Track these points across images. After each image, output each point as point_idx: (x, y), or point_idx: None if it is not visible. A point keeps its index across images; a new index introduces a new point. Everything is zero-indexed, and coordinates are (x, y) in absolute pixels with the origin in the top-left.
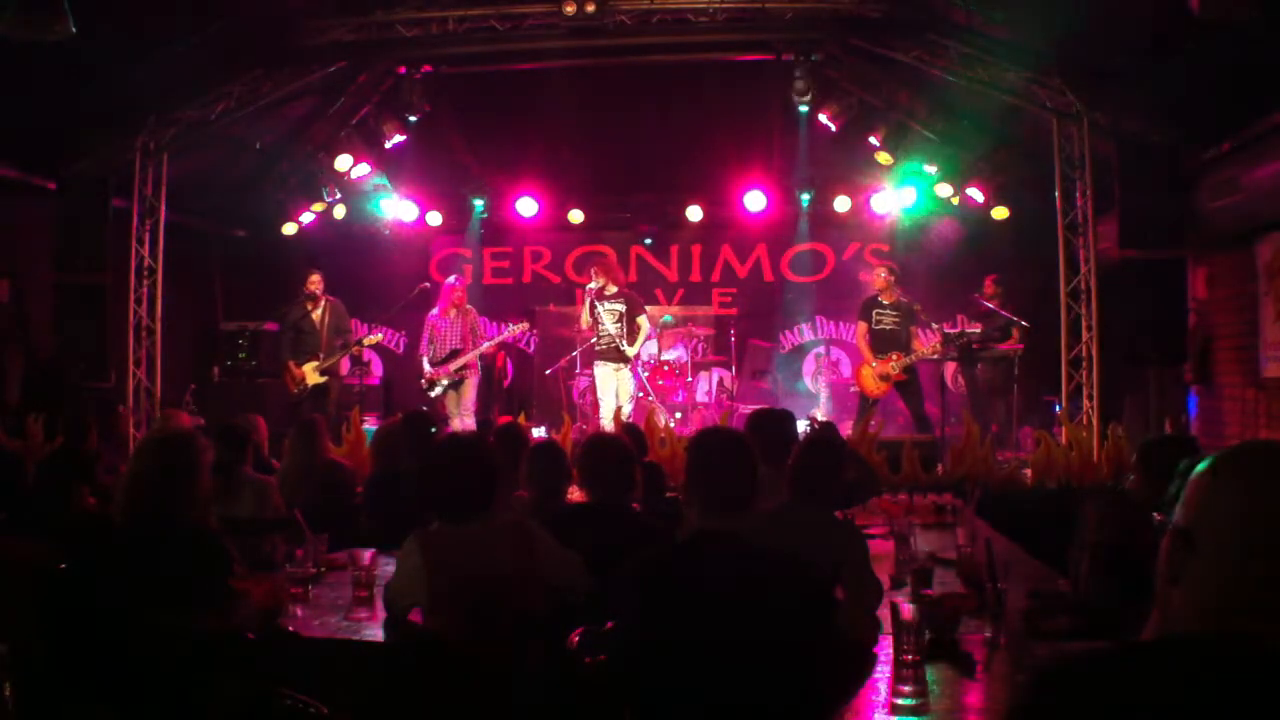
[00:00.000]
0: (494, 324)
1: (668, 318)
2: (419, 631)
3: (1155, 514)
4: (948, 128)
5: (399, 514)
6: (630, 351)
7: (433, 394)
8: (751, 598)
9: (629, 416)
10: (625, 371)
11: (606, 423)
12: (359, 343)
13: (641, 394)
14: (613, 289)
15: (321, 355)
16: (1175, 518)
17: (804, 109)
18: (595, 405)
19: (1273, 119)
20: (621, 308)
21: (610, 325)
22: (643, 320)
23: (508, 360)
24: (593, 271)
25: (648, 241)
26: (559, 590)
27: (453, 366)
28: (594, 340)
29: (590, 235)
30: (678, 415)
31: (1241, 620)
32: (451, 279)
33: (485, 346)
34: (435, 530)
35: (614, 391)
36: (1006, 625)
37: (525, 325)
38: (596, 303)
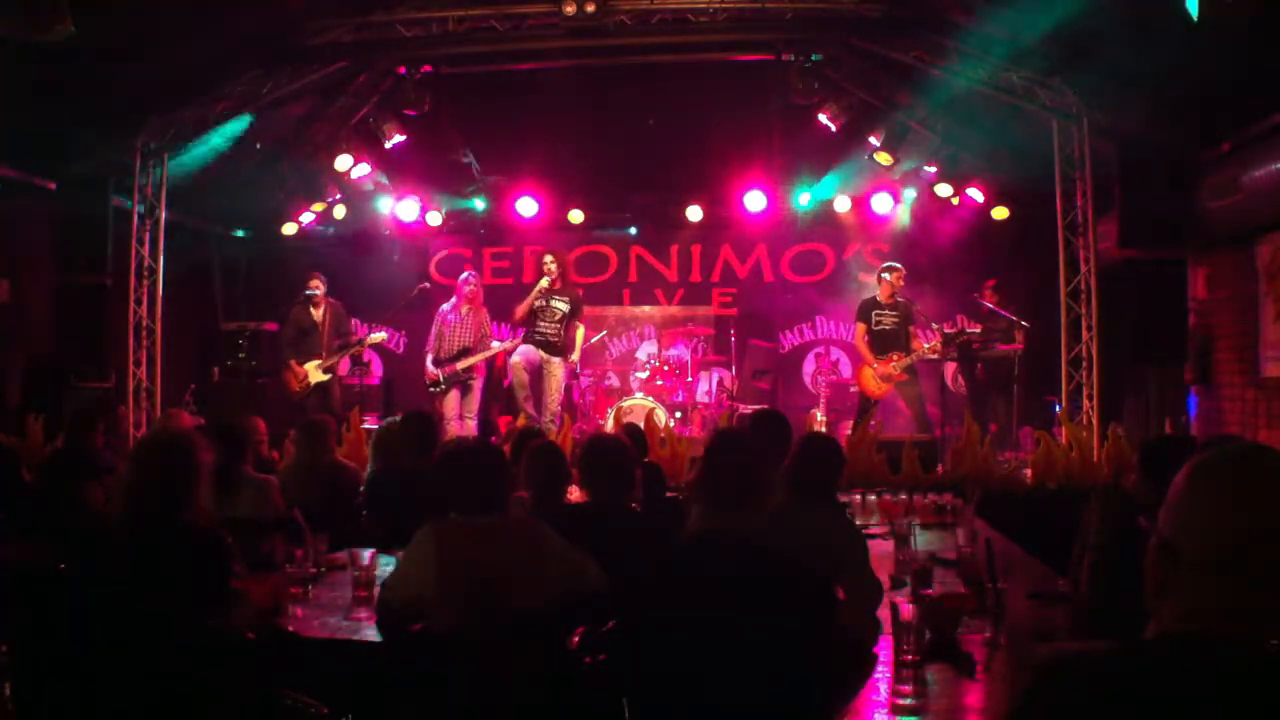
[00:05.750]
0: (495, 324)
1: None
2: (418, 631)
3: (1140, 518)
4: (948, 128)
5: (399, 514)
6: (573, 357)
7: (435, 391)
8: (753, 597)
9: (556, 417)
10: (554, 368)
11: (548, 422)
12: (360, 342)
13: (581, 399)
14: (561, 286)
15: (323, 354)
16: (1159, 528)
17: (803, 109)
18: (593, 405)
19: (1273, 119)
20: (565, 307)
21: (549, 323)
22: (580, 327)
23: (508, 360)
24: (549, 262)
25: (632, 231)
26: (567, 591)
27: (460, 365)
28: (529, 331)
29: (590, 235)
30: (678, 415)
31: (1226, 623)
32: (465, 275)
33: (494, 348)
34: (450, 521)
35: (525, 384)
36: (1006, 625)
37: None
38: (542, 298)
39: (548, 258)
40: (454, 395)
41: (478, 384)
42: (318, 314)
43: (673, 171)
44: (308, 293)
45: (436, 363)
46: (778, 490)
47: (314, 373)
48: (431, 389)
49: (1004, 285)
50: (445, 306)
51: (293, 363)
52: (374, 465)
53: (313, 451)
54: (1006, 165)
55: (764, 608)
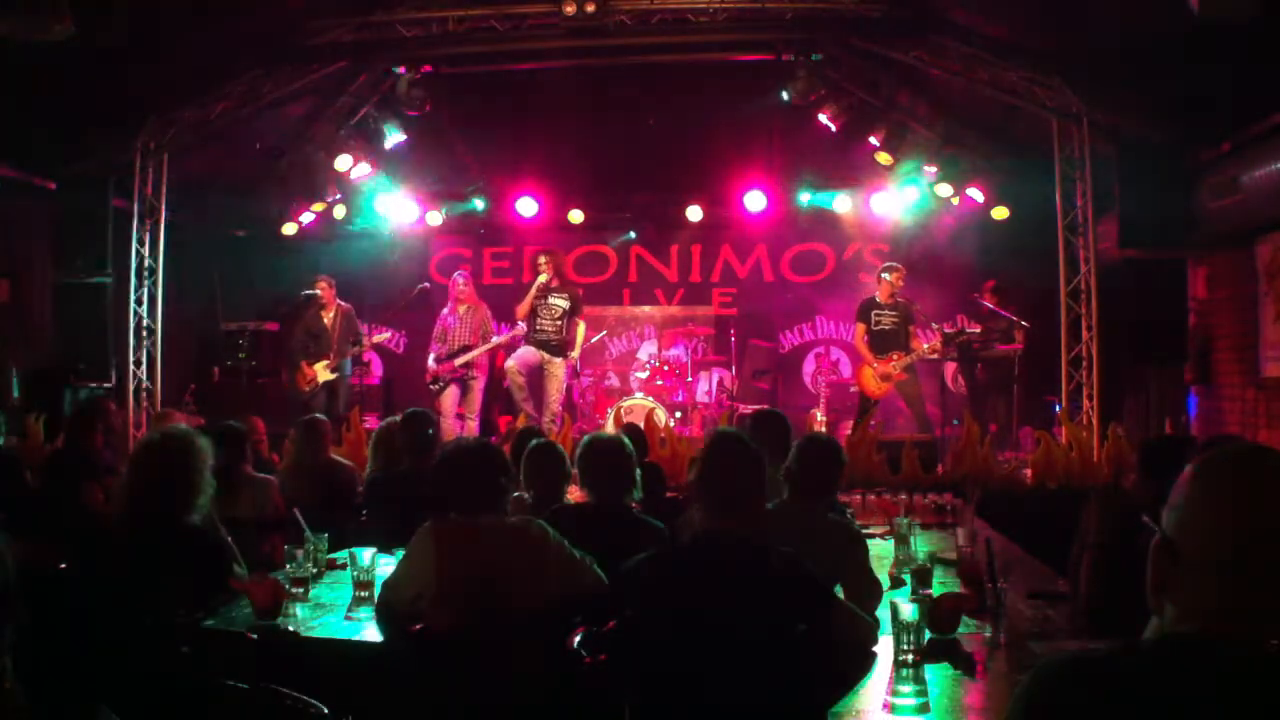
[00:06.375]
0: (495, 324)
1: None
2: (418, 631)
3: (1140, 518)
4: (948, 128)
5: (399, 514)
6: (573, 354)
7: (434, 389)
8: (753, 597)
9: (556, 417)
10: (555, 368)
11: (548, 422)
12: (358, 342)
13: (582, 399)
14: (559, 284)
15: (332, 356)
16: (1163, 526)
17: (803, 109)
18: (593, 405)
19: (1273, 119)
20: (565, 304)
21: (549, 321)
22: (581, 324)
23: (505, 362)
24: (542, 261)
25: (631, 234)
26: (567, 591)
27: (458, 361)
28: (529, 332)
29: (590, 235)
30: (677, 415)
31: (1226, 623)
32: (456, 274)
33: (494, 342)
34: (450, 521)
35: (522, 386)
36: (1006, 625)
37: (522, 329)
38: (542, 295)
39: (542, 258)
40: (452, 392)
41: (478, 383)
42: (328, 317)
43: (673, 171)
44: (309, 293)
45: (438, 360)
46: (776, 490)
47: (322, 372)
48: (431, 386)
49: (1004, 285)
50: (444, 311)
51: (303, 363)
52: (374, 465)
53: (309, 451)
54: (1006, 165)
55: (763, 608)
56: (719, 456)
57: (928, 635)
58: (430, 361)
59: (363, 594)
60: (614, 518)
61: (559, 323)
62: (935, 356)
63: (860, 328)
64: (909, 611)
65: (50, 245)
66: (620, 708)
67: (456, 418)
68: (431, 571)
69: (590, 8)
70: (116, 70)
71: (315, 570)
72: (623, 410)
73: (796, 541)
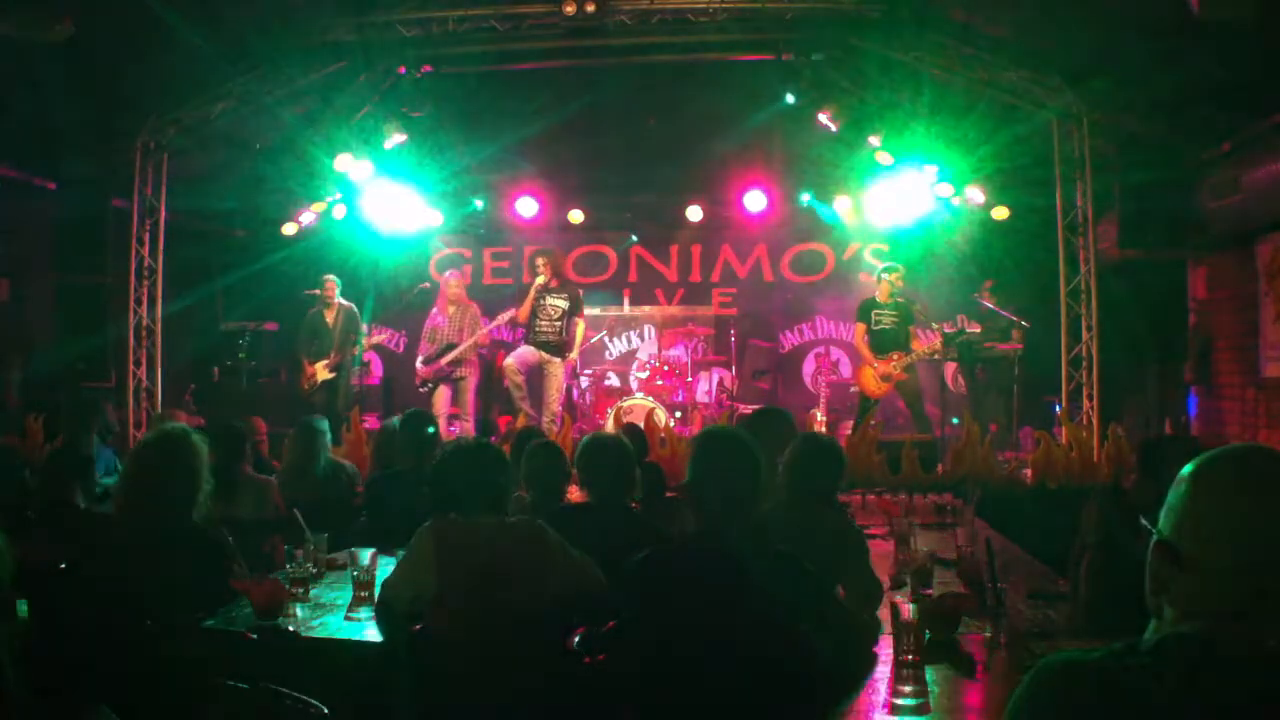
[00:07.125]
0: (486, 323)
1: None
2: (418, 631)
3: (1140, 518)
4: (948, 128)
5: (399, 514)
6: (572, 354)
7: (424, 390)
8: (751, 598)
9: (556, 417)
10: (554, 368)
11: (548, 422)
12: (355, 342)
13: (581, 399)
14: (557, 284)
15: (333, 355)
16: (1161, 528)
17: (804, 109)
18: (593, 405)
19: (1273, 119)
20: (564, 305)
21: (548, 321)
22: (580, 324)
23: (504, 361)
24: (540, 262)
25: (633, 238)
26: (567, 591)
27: (445, 360)
28: (529, 332)
29: (590, 235)
30: (678, 415)
31: (1226, 623)
32: (446, 274)
33: (480, 334)
34: (450, 521)
35: (521, 385)
36: (1006, 625)
37: (512, 314)
38: (541, 296)
39: (539, 259)
40: (443, 392)
41: (469, 382)
42: (330, 316)
43: (673, 171)
44: (311, 293)
45: (425, 362)
46: (772, 487)
47: (321, 371)
48: (421, 389)
49: (1004, 285)
50: (433, 310)
51: (305, 361)
52: (374, 465)
53: (306, 451)
54: (1006, 165)
55: (762, 608)
56: (709, 454)
57: (928, 635)
58: (418, 364)
59: (363, 594)
60: (614, 518)
61: (558, 323)
62: (936, 357)
63: (860, 328)
64: (909, 611)
65: (50, 245)
66: (620, 708)
67: (450, 418)
68: (431, 571)
69: (590, 8)
70: (116, 70)
71: (315, 570)
72: (623, 410)
73: (796, 542)
